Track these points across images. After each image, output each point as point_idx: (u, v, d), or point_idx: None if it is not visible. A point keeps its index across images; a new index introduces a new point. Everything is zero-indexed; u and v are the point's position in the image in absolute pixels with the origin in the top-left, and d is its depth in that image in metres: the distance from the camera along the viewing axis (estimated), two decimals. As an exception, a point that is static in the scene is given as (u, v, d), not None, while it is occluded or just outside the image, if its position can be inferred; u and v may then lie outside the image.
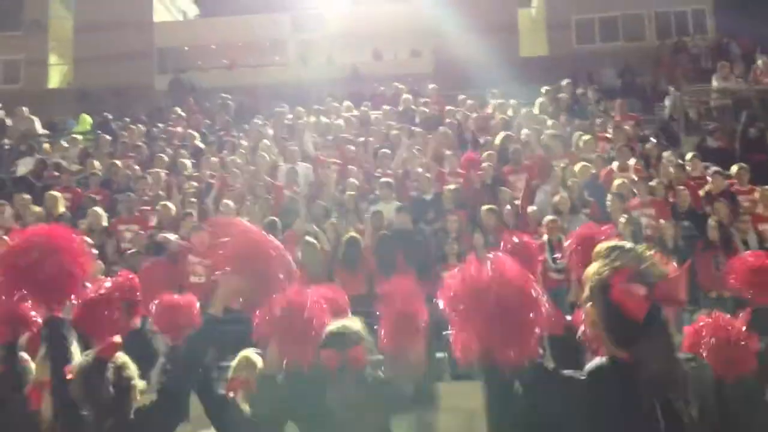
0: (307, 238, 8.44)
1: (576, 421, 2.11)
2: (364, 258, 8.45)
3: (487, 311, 2.16)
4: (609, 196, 8.77)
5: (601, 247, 2.24)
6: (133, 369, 2.99)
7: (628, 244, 2.24)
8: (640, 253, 2.17)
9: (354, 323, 3.13)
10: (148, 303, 8.63)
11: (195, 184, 10.44)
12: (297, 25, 24.75)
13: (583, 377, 2.16)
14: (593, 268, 2.20)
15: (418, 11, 24.18)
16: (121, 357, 2.96)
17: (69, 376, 2.87)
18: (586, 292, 2.19)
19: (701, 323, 3.35)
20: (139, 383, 3.00)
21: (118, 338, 2.99)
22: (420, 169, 10.20)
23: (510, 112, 12.76)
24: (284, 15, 24.74)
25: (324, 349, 2.92)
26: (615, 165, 9.90)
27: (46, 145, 13.75)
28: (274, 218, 8.79)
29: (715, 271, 7.76)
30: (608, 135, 11.23)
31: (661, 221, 8.39)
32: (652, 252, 2.19)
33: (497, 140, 10.99)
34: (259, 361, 3.76)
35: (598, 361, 2.17)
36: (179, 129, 13.68)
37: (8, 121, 15.51)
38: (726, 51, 17.28)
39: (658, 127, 13.18)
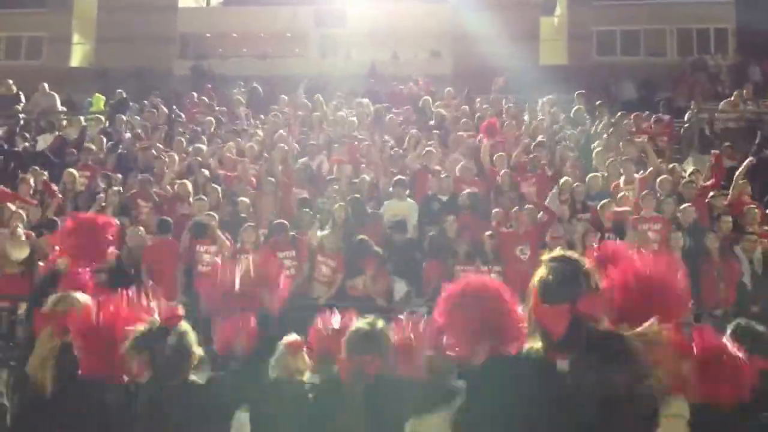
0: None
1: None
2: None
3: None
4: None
5: (548, 255, 2.30)
6: (193, 337, 3.09)
7: (570, 254, 2.29)
8: (577, 263, 2.22)
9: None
10: (154, 277, 8.55)
11: (206, 172, 10.44)
12: (319, 20, 24.88)
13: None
14: (537, 273, 2.26)
15: (440, 13, 24.25)
16: (184, 325, 3.07)
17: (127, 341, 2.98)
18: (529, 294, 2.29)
19: None
20: (198, 351, 3.11)
21: (181, 310, 3.14)
22: (438, 168, 10.16)
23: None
24: (307, 8, 24.87)
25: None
26: (622, 179, 9.86)
27: (66, 123, 13.89)
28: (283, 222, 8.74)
29: (719, 286, 7.77)
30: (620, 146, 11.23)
31: (670, 235, 8.35)
32: (590, 264, 2.25)
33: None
34: None
35: (528, 348, 2.29)
36: (197, 114, 13.79)
37: (22, 96, 15.67)
38: (745, 72, 17.25)
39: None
